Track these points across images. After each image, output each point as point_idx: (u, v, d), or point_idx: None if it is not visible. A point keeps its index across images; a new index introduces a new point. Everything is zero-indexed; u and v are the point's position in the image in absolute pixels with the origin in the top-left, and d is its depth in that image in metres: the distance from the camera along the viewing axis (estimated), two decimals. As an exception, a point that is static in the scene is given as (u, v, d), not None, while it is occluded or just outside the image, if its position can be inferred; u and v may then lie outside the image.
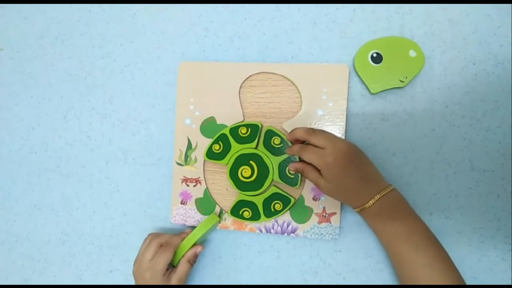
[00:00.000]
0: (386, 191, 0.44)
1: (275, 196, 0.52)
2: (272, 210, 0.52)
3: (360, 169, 0.44)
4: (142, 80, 0.59)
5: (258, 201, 0.52)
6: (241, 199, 0.53)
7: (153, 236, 0.53)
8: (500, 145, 0.49)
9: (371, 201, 0.43)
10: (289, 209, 0.52)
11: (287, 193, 0.52)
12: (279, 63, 0.53)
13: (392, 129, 0.51)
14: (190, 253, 0.52)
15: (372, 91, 0.50)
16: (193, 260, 0.52)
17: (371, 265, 0.52)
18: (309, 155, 0.44)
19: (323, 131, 0.46)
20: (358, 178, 0.44)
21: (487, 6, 0.49)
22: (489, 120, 0.49)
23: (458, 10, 0.50)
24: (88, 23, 0.61)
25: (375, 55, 0.50)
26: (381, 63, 0.50)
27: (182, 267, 0.51)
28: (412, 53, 0.49)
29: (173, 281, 0.50)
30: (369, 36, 0.51)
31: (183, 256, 0.51)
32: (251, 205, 0.52)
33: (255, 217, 0.52)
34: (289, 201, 0.51)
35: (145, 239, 0.53)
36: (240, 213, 0.53)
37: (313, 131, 0.45)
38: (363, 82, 0.51)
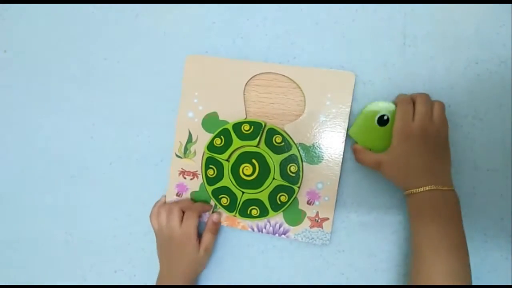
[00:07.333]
0: (444, 188, 0.43)
1: (278, 189, 0.52)
2: (279, 202, 0.52)
3: (436, 151, 0.44)
4: (145, 81, 0.59)
5: (263, 196, 0.52)
6: (246, 198, 0.53)
7: (167, 204, 0.55)
8: (503, 144, 0.49)
9: (421, 188, 0.42)
10: (294, 198, 0.52)
11: (289, 183, 0.52)
12: (286, 64, 0.53)
13: (394, 129, 0.51)
14: (209, 223, 0.54)
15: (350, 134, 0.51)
16: (215, 229, 0.54)
17: (374, 265, 0.52)
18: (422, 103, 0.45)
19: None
20: (427, 157, 0.44)
21: (489, 5, 0.49)
22: (492, 120, 0.49)
23: (460, 9, 0.50)
24: (90, 24, 0.61)
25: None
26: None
27: (206, 237, 0.53)
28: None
29: (201, 251, 0.52)
30: (371, 38, 0.51)
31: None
32: (257, 202, 0.53)
33: (263, 213, 0.52)
34: (293, 190, 0.51)
35: (155, 212, 0.55)
36: (248, 212, 0.53)
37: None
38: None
